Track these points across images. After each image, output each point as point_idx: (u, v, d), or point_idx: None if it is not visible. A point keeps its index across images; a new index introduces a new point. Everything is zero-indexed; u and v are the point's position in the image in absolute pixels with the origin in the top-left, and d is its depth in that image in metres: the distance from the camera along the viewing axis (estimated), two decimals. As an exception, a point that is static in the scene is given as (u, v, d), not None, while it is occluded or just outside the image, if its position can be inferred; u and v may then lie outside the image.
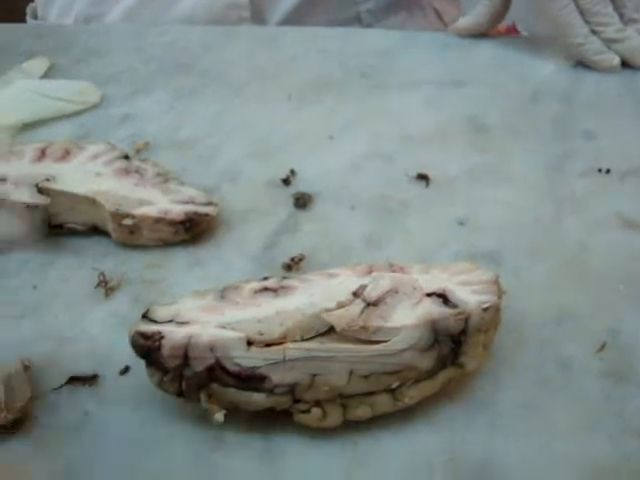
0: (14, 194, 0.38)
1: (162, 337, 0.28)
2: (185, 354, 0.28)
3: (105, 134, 0.50)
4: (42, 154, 0.41)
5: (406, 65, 0.58)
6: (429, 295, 0.29)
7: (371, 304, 0.28)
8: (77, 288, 0.37)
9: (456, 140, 0.48)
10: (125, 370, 0.32)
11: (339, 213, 0.41)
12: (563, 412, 0.30)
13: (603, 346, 0.32)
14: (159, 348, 0.28)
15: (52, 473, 0.28)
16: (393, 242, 0.39)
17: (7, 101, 0.52)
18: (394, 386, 0.28)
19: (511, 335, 0.33)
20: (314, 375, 0.28)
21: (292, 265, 0.37)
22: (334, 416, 0.28)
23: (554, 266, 0.37)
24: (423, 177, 0.43)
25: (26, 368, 0.31)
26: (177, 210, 0.38)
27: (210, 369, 0.28)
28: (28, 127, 0.51)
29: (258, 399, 0.28)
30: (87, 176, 0.40)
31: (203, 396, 0.28)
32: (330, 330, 0.28)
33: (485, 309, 0.29)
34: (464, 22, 0.60)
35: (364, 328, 0.28)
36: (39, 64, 0.59)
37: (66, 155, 0.41)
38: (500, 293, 0.30)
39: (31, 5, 0.77)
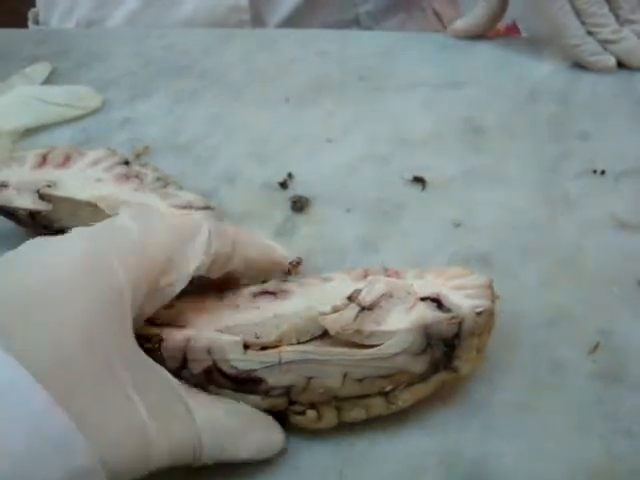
0: (17, 200, 0.39)
1: (161, 339, 0.28)
2: (184, 356, 0.28)
3: (106, 138, 0.50)
4: (43, 160, 0.42)
5: (404, 67, 0.58)
6: (423, 299, 0.30)
7: (366, 308, 0.29)
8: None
9: (453, 141, 0.48)
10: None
11: (336, 216, 0.42)
12: (556, 413, 0.30)
13: (596, 347, 0.32)
14: (159, 350, 0.28)
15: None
16: (389, 245, 0.40)
17: (8, 107, 0.52)
18: (387, 389, 0.29)
19: (505, 337, 0.33)
20: (309, 378, 0.28)
21: (290, 269, 0.38)
22: (329, 418, 0.29)
23: (548, 267, 0.37)
24: (419, 180, 0.44)
25: None
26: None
27: (207, 371, 0.28)
28: (29, 132, 0.51)
29: (254, 401, 0.28)
30: (88, 182, 0.40)
31: None
32: (325, 333, 0.28)
33: (479, 313, 0.29)
34: (461, 24, 0.61)
35: (358, 332, 0.28)
36: (41, 69, 0.59)
37: (67, 161, 0.42)
38: (494, 297, 0.30)
39: (33, 10, 0.77)
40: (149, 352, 0.28)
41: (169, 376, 0.27)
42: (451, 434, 0.29)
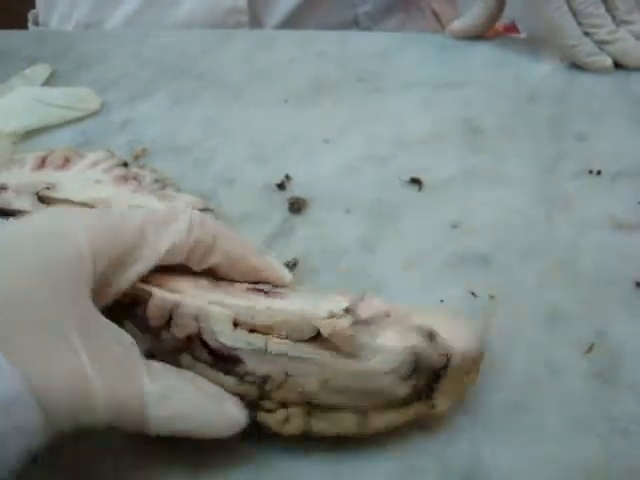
0: (16, 202, 0.39)
1: (151, 294, 0.28)
2: (169, 317, 0.28)
3: (105, 140, 0.50)
4: (42, 162, 0.42)
5: (403, 67, 0.58)
6: (417, 328, 0.29)
7: (361, 322, 0.28)
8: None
9: (451, 142, 0.48)
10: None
11: (334, 217, 0.42)
12: (553, 413, 0.30)
13: (591, 347, 0.33)
14: (145, 304, 0.28)
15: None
16: (388, 245, 0.40)
17: (8, 109, 0.52)
18: (363, 406, 0.28)
19: (502, 336, 0.33)
20: (288, 375, 0.28)
21: (287, 270, 0.38)
22: (296, 423, 0.28)
23: (545, 267, 0.37)
24: (416, 181, 0.44)
25: None
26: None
27: (189, 338, 0.28)
28: (29, 134, 0.51)
29: (227, 383, 0.28)
30: (87, 184, 0.41)
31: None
32: (316, 338, 0.28)
33: (467, 353, 0.29)
34: (459, 24, 0.61)
35: (351, 338, 0.28)
36: (41, 71, 0.60)
37: (66, 163, 0.42)
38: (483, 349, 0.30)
39: (32, 11, 0.78)
40: (135, 302, 0.28)
41: (128, 340, 0.27)
42: (447, 433, 0.29)
